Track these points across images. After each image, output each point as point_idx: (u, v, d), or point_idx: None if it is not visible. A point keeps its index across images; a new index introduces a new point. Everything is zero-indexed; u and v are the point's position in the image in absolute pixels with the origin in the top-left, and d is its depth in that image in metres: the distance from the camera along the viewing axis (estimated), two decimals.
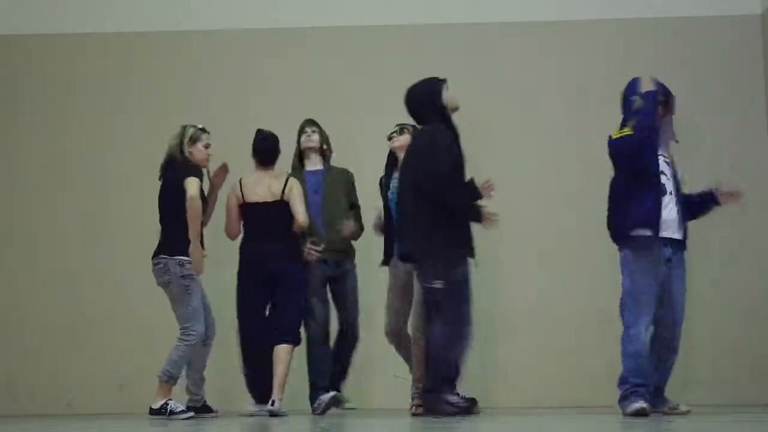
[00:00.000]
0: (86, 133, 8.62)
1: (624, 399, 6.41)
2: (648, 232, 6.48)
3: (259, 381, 7.25)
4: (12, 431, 6.54)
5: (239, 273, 7.35)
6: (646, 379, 6.46)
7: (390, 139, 7.40)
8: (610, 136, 6.60)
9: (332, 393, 7.29)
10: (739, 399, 7.94)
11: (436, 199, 6.70)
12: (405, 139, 7.25)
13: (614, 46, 8.50)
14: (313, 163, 7.64)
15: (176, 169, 7.09)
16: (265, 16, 8.69)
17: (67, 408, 8.33)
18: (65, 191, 8.60)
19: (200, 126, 7.22)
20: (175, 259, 6.95)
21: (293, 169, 7.63)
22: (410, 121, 7.12)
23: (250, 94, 8.57)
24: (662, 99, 6.62)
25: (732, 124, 8.40)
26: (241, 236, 7.44)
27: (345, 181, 7.65)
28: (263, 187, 7.35)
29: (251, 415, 7.20)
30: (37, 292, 8.51)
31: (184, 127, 7.21)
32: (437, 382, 6.67)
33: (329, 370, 7.40)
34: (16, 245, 8.60)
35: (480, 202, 6.80)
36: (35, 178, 8.64)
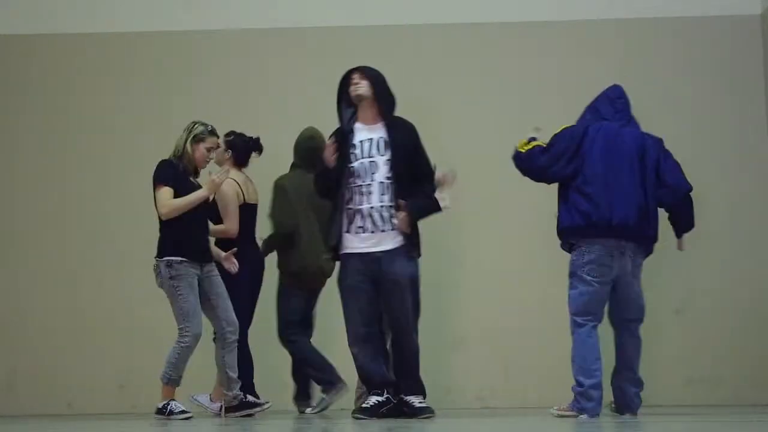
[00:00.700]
0: (86, 133, 8.61)
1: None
2: None
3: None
4: (12, 431, 6.55)
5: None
6: None
7: None
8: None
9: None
10: (739, 399, 7.94)
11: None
12: None
13: (614, 46, 8.49)
14: None
15: (169, 167, 6.93)
16: (265, 16, 8.68)
17: (67, 408, 8.33)
18: (65, 191, 8.60)
19: (210, 127, 6.99)
20: (163, 261, 6.87)
21: (293, 167, 7.64)
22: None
23: (250, 94, 8.56)
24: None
25: (732, 124, 8.40)
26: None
27: None
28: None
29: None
30: (37, 292, 8.50)
31: (194, 123, 6.98)
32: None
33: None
34: (16, 245, 8.60)
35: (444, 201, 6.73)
36: (35, 178, 8.64)
